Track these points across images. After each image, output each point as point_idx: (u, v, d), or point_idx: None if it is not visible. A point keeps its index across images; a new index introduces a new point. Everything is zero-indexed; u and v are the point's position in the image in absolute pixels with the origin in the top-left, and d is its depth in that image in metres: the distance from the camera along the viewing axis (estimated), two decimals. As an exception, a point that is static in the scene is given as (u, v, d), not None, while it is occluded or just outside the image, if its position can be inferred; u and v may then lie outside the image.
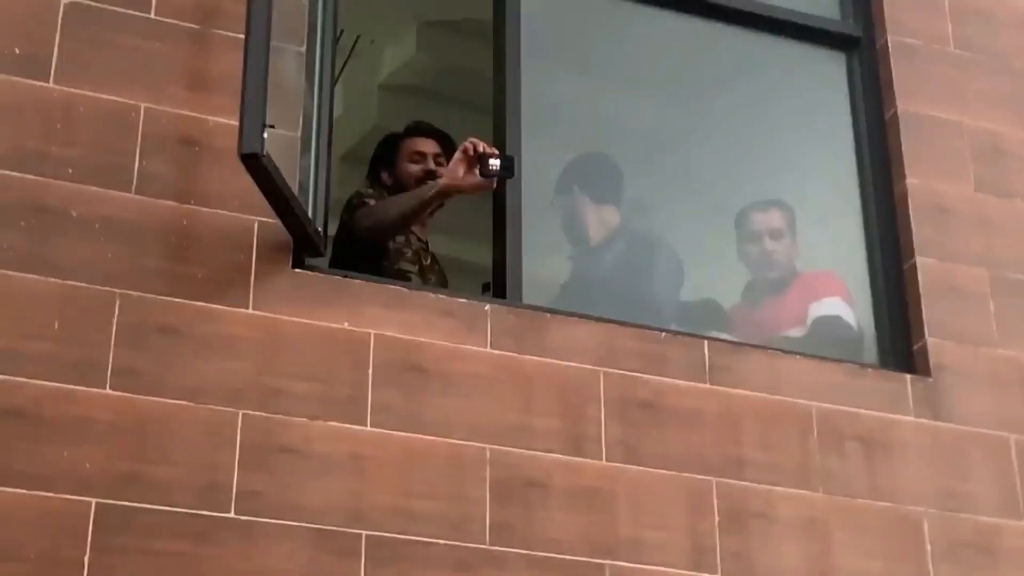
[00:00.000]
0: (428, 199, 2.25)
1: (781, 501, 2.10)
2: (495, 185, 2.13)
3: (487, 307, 2.09)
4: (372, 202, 2.39)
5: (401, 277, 2.34)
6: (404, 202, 2.33)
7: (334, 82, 2.32)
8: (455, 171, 2.13)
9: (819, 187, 2.74)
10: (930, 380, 2.33)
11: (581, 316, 2.15)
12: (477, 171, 2.09)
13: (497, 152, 2.10)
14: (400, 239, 2.40)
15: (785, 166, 2.75)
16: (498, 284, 2.19)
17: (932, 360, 2.35)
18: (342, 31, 2.60)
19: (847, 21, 2.77)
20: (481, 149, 2.08)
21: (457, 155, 2.14)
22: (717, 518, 2.03)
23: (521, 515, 1.92)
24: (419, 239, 2.49)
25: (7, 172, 1.83)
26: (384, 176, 2.54)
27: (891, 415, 2.26)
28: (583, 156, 2.54)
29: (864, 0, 2.74)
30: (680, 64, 2.84)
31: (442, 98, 3.63)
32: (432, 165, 2.46)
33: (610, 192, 2.52)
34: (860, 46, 2.70)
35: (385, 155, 2.57)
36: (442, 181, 2.22)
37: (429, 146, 2.51)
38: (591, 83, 2.75)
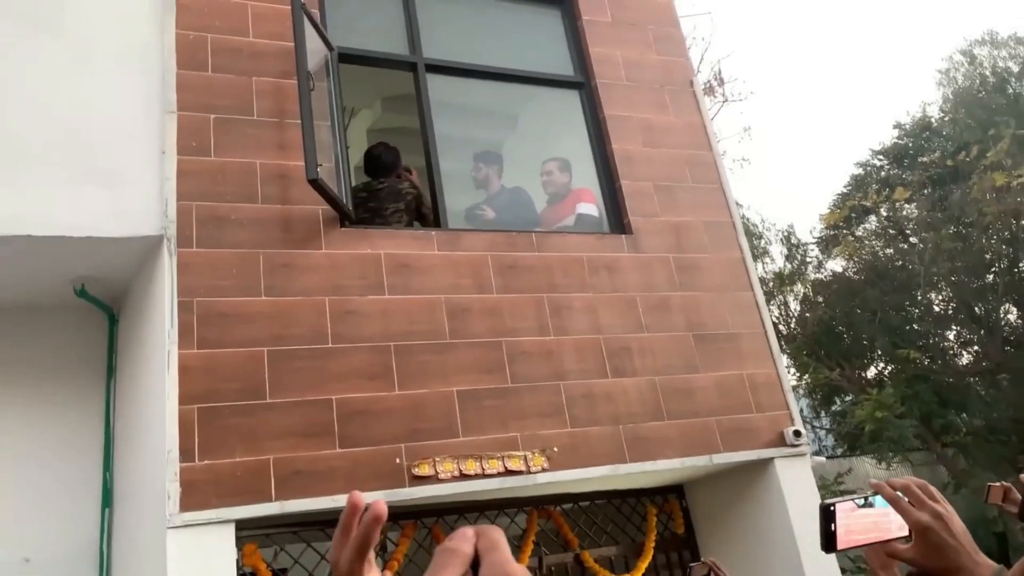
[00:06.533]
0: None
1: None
2: None
3: (433, 232, 4.26)
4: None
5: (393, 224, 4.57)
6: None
7: (344, 134, 4.44)
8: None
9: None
10: (632, 236, 4.79)
11: (479, 230, 4.42)
12: None
13: None
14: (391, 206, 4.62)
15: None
16: (437, 219, 4.40)
17: (633, 224, 4.81)
18: (345, 106, 4.78)
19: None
20: None
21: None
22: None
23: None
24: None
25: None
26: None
27: (615, 254, 4.69)
28: (483, 151, 4.97)
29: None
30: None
31: (400, 134, 5.86)
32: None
33: (497, 167, 4.95)
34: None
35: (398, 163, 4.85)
36: None
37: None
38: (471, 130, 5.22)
